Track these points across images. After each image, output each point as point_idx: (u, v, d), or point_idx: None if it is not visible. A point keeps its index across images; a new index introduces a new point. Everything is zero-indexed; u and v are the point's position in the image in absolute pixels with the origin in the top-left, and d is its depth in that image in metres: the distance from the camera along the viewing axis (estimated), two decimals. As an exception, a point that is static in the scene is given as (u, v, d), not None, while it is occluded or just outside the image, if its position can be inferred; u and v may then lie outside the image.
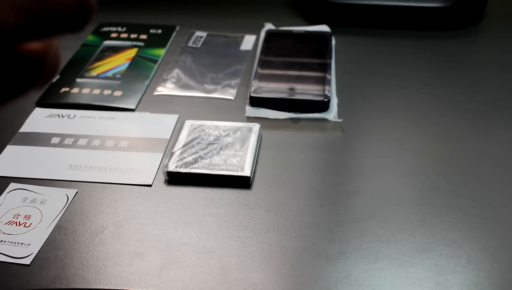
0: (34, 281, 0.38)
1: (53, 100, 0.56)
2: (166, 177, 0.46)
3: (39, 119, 0.53)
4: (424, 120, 0.52)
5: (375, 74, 0.60)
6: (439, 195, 0.44)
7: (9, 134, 0.51)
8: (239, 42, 0.65)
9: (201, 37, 0.66)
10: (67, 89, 0.57)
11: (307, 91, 0.54)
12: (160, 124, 0.52)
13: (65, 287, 0.37)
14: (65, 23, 0.19)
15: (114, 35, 0.66)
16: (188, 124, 0.51)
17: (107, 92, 0.56)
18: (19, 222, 0.42)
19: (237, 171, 0.45)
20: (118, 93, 0.56)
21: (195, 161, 0.47)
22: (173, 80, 0.58)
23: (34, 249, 0.40)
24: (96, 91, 0.56)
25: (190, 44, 0.65)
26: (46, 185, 0.46)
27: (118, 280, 0.38)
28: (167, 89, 0.57)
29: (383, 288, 0.37)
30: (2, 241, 0.41)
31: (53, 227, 0.42)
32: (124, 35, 0.66)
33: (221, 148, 0.48)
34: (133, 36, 0.66)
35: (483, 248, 0.40)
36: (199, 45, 0.64)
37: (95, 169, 0.47)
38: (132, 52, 0.63)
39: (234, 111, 0.54)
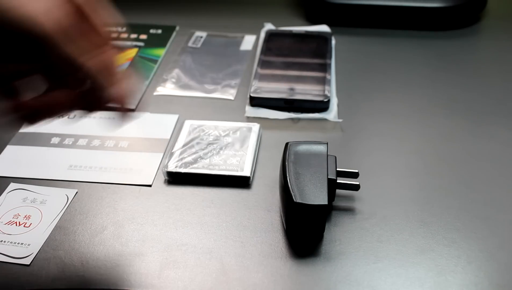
0: (34, 281, 0.38)
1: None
2: (166, 177, 0.46)
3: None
4: (424, 120, 0.52)
5: (375, 74, 0.60)
6: (439, 195, 0.44)
7: (9, 134, 0.51)
8: (239, 42, 0.65)
9: (201, 37, 0.66)
10: (67, 89, 0.57)
11: (307, 91, 0.54)
12: (160, 124, 0.52)
13: (65, 287, 0.37)
14: None
15: (114, 35, 0.66)
16: (188, 124, 0.51)
17: (107, 92, 0.56)
18: (19, 222, 0.42)
19: (237, 171, 0.45)
20: (118, 93, 0.56)
21: (195, 161, 0.47)
22: (173, 80, 0.58)
23: (34, 249, 0.40)
24: (96, 91, 0.56)
25: (190, 44, 0.65)
26: (46, 185, 0.46)
27: (118, 280, 0.38)
28: (167, 89, 0.57)
29: (383, 288, 0.37)
30: (2, 241, 0.41)
31: (53, 227, 0.42)
32: (124, 35, 0.66)
33: (220, 148, 0.48)
34: (133, 36, 0.66)
35: (483, 248, 0.40)
36: (199, 45, 0.64)
37: (95, 169, 0.47)
38: (132, 52, 0.63)
39: (234, 111, 0.54)
